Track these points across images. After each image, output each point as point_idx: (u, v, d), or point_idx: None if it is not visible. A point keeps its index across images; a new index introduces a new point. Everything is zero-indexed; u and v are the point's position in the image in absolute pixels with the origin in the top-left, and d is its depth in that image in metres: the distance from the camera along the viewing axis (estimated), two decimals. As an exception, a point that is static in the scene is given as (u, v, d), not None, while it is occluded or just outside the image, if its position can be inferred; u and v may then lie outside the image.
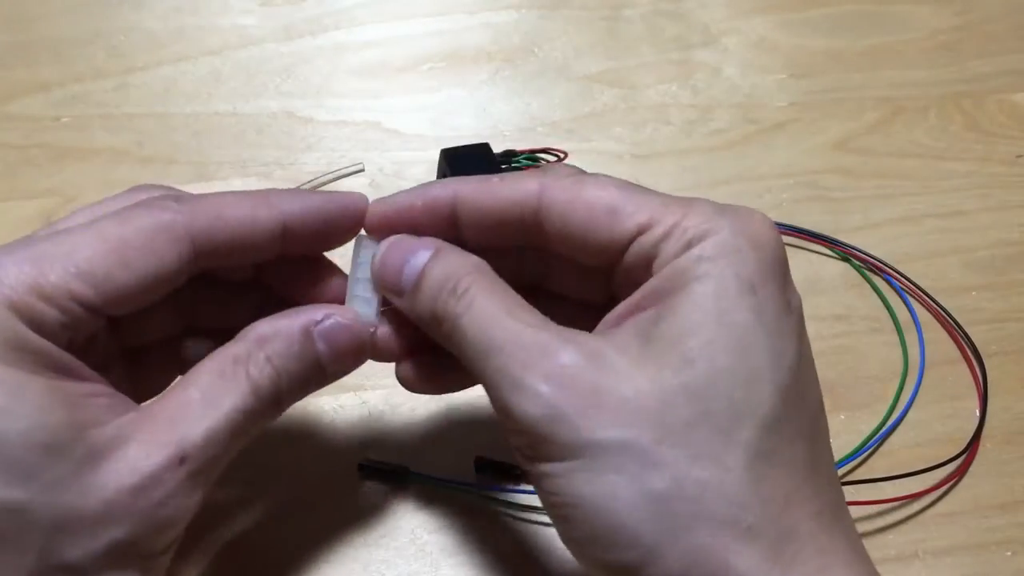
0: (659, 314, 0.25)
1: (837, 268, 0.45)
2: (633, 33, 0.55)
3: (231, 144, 0.48)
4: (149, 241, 0.26)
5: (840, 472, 0.38)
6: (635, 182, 0.28)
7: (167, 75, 0.51)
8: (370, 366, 0.40)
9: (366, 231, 0.30)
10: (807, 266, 0.45)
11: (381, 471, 0.37)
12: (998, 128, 0.52)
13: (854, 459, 0.39)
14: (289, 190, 0.29)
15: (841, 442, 0.39)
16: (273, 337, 0.27)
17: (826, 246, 0.46)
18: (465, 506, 0.36)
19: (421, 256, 0.28)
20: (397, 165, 0.48)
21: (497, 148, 0.46)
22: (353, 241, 0.30)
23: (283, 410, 0.28)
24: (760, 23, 0.57)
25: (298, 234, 0.28)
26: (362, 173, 0.47)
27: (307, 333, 0.28)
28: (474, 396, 0.39)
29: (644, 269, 0.27)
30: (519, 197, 0.28)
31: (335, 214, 0.29)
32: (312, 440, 0.38)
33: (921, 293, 0.45)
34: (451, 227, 0.29)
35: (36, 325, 0.24)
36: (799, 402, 0.26)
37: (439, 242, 0.28)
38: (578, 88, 0.52)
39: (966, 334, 0.43)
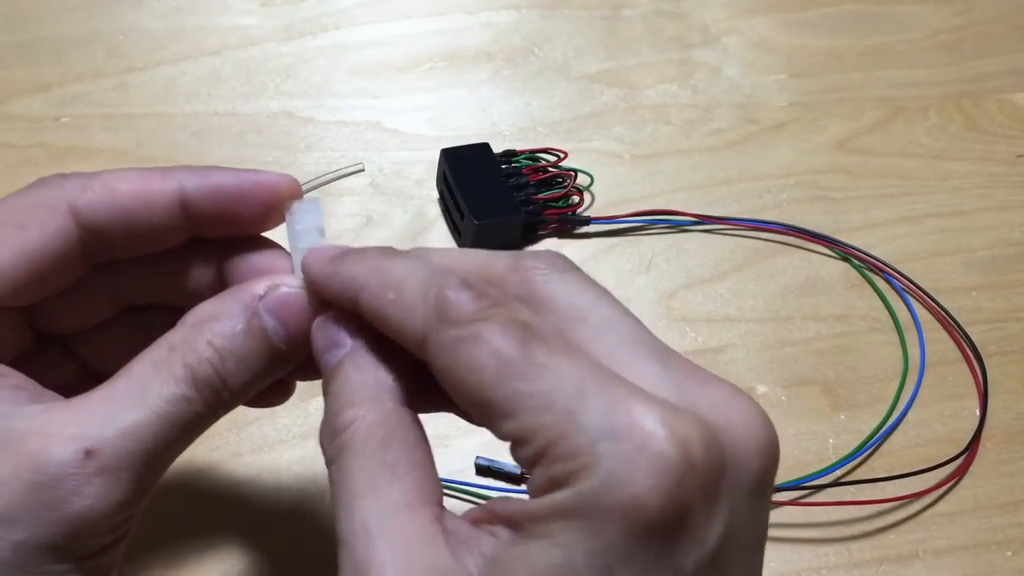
0: (495, 565, 0.20)
1: (837, 268, 0.45)
2: (633, 33, 0.55)
3: (231, 144, 0.48)
4: (26, 217, 0.25)
5: (840, 472, 0.39)
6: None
7: (167, 75, 0.51)
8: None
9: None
10: (807, 266, 0.45)
11: None
12: (998, 128, 0.52)
13: (854, 459, 0.39)
14: (198, 166, 0.27)
15: (841, 442, 0.39)
16: (212, 318, 0.25)
17: (826, 246, 0.46)
18: (465, 506, 0.36)
19: (334, 356, 0.24)
20: (397, 165, 0.48)
21: (497, 148, 0.46)
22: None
23: (239, 399, 0.25)
24: (760, 23, 0.57)
25: (203, 211, 0.26)
26: (362, 173, 0.47)
27: (251, 309, 0.25)
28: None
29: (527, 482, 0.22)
30: (407, 338, 0.22)
31: (244, 192, 0.26)
32: (313, 440, 0.38)
33: (921, 293, 0.45)
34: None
35: None
36: None
37: (357, 347, 0.24)
38: (578, 88, 0.52)
39: (966, 334, 0.43)
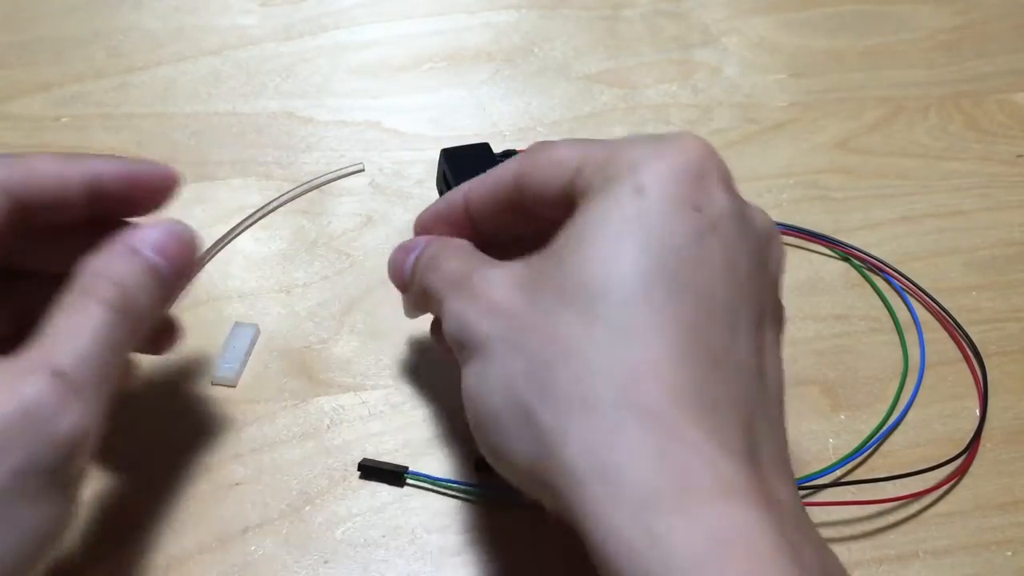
0: (572, 222, 0.27)
1: (837, 268, 0.45)
2: (633, 33, 0.55)
3: (231, 144, 0.48)
4: None
5: (840, 472, 0.39)
6: None
7: (167, 75, 0.51)
8: (370, 366, 0.40)
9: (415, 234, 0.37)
10: (807, 266, 0.45)
11: (381, 471, 0.37)
12: (998, 128, 0.52)
13: (854, 459, 0.39)
14: (105, 155, 0.32)
15: (841, 442, 0.39)
16: (108, 263, 0.29)
17: (826, 246, 0.46)
18: (465, 506, 0.36)
19: (414, 253, 0.34)
20: (397, 165, 0.48)
21: (497, 148, 0.46)
22: None
23: (148, 320, 0.30)
24: (760, 23, 0.57)
25: (108, 193, 0.31)
26: (362, 173, 0.47)
27: (135, 248, 0.30)
28: (474, 396, 0.39)
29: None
30: (502, 175, 0.31)
31: (142, 179, 0.31)
32: (313, 440, 0.38)
33: (921, 293, 0.45)
34: (470, 225, 0.34)
35: None
36: (673, 282, 0.25)
37: (431, 238, 0.34)
38: (578, 88, 0.52)
39: (966, 334, 0.43)
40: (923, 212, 0.48)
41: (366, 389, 0.39)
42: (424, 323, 0.42)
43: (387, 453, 0.38)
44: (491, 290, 0.28)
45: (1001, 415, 0.41)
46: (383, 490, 0.37)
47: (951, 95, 0.54)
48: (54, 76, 0.50)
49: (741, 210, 0.27)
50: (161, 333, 0.35)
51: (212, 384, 0.39)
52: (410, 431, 0.38)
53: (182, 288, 0.32)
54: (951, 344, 0.43)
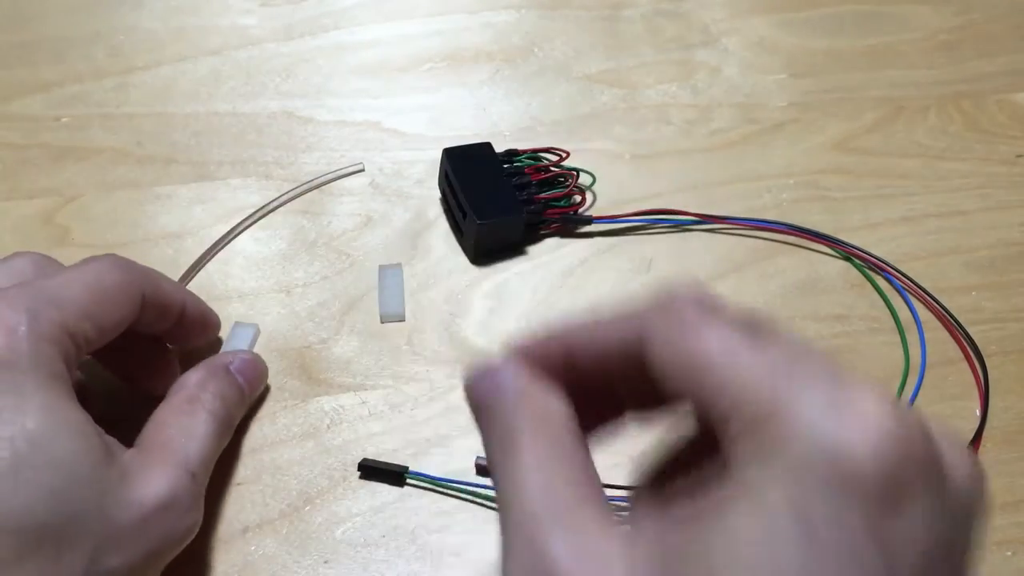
0: (687, 540, 0.20)
1: (838, 268, 0.45)
2: (633, 33, 0.55)
3: (231, 144, 0.48)
4: (120, 293, 0.32)
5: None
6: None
7: (167, 75, 0.51)
8: (370, 366, 0.40)
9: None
10: (808, 266, 0.45)
11: (381, 471, 0.37)
12: (998, 128, 0.52)
13: (854, 459, 0.39)
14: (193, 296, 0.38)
15: (841, 442, 0.39)
16: (209, 379, 0.35)
17: (827, 245, 0.46)
18: (465, 506, 0.36)
19: (498, 391, 0.24)
20: (397, 165, 0.48)
21: (498, 148, 0.46)
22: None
23: (233, 429, 0.36)
24: (760, 23, 0.57)
25: (183, 320, 0.36)
26: (362, 173, 0.47)
27: (228, 370, 0.36)
28: (474, 396, 0.39)
29: (728, 455, 0.21)
30: (621, 340, 0.23)
31: (207, 321, 0.38)
32: (313, 440, 0.38)
33: (922, 293, 0.45)
34: (567, 368, 0.25)
35: (66, 359, 0.29)
36: None
37: (521, 378, 0.24)
38: (578, 88, 0.52)
39: (967, 334, 0.43)
40: (923, 212, 0.48)
41: (366, 389, 0.39)
42: (425, 320, 0.42)
43: (387, 453, 0.38)
44: None
45: (1002, 415, 0.41)
46: (383, 490, 0.37)
47: (951, 95, 0.54)
48: (54, 76, 0.50)
49: (941, 532, 0.19)
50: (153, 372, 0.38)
51: (212, 384, 0.39)
52: (410, 431, 0.38)
53: (251, 403, 0.38)
54: (952, 344, 0.43)
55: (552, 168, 0.46)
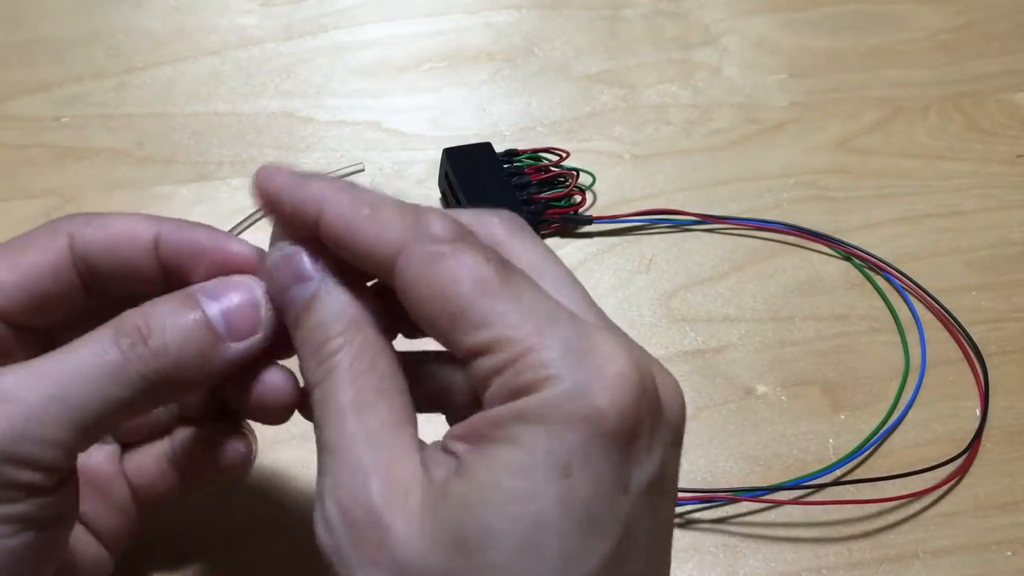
0: (461, 468, 0.22)
1: (838, 268, 0.45)
2: (633, 33, 0.55)
3: (231, 144, 0.48)
4: (30, 241, 0.27)
5: (840, 472, 0.38)
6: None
7: (167, 75, 0.51)
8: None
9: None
10: (808, 266, 0.45)
11: None
12: (998, 128, 0.52)
13: (854, 459, 0.39)
14: (185, 222, 0.28)
15: (841, 442, 0.39)
16: (156, 305, 0.26)
17: (827, 245, 0.46)
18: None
19: (304, 289, 0.25)
20: (397, 165, 0.48)
21: (498, 148, 0.46)
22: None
23: (182, 384, 0.25)
24: (760, 23, 0.57)
25: (172, 261, 0.27)
26: (362, 173, 0.47)
27: (192, 293, 0.26)
28: (474, 396, 0.39)
29: (480, 391, 0.23)
30: (377, 251, 0.23)
31: (210, 255, 0.27)
32: (312, 440, 0.38)
33: (922, 293, 0.45)
34: (314, 231, 0.25)
35: None
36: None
37: (325, 278, 0.25)
38: (578, 88, 0.52)
39: (967, 334, 0.43)
40: (923, 212, 0.48)
41: (366, 389, 0.39)
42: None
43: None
44: (395, 549, 0.21)
45: (1002, 415, 0.41)
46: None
47: (951, 95, 0.54)
48: (54, 76, 0.50)
49: (664, 457, 0.23)
50: (222, 441, 0.30)
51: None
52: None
53: (243, 354, 0.26)
54: (952, 344, 0.43)
55: (552, 168, 0.46)
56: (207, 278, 0.27)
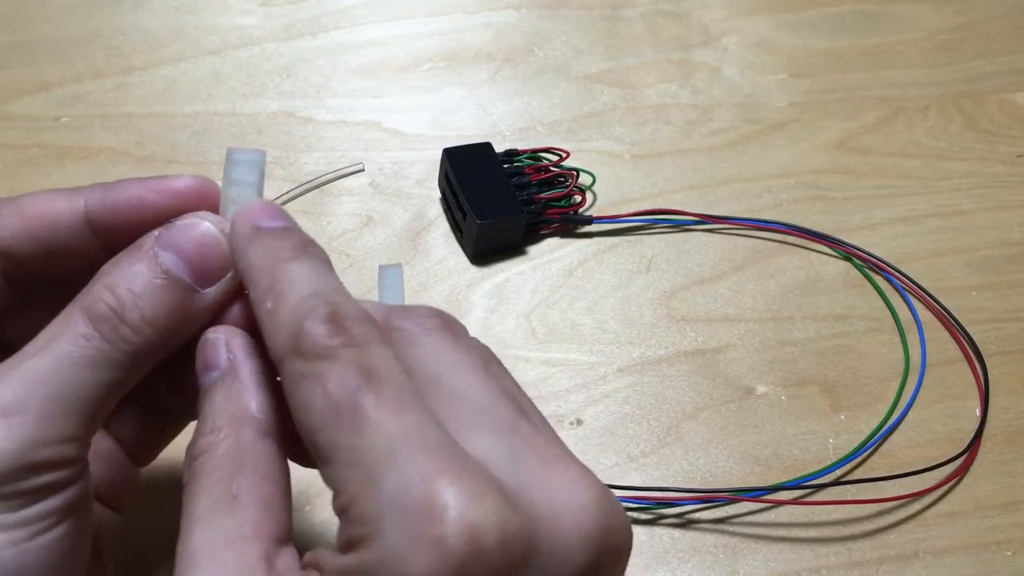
0: None
1: (838, 268, 0.45)
2: (633, 33, 0.55)
3: (231, 144, 0.48)
4: None
5: (840, 472, 0.38)
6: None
7: (167, 75, 0.51)
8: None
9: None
10: (807, 266, 0.45)
11: None
12: (998, 128, 0.52)
13: (854, 459, 0.39)
14: (108, 183, 0.26)
15: (841, 442, 0.39)
16: (111, 265, 0.24)
17: (827, 245, 0.46)
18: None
19: (207, 377, 0.24)
20: (397, 165, 0.48)
21: (497, 148, 0.46)
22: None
23: (144, 335, 0.24)
24: (760, 23, 0.57)
25: (108, 227, 0.26)
26: (362, 173, 0.47)
27: (147, 250, 0.24)
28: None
29: None
30: (272, 355, 0.23)
31: (146, 203, 0.26)
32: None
33: (922, 293, 0.45)
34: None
35: None
36: None
37: (232, 367, 0.24)
38: (578, 88, 0.52)
39: (967, 334, 0.43)
40: (923, 212, 0.48)
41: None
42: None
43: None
44: None
45: (1002, 415, 0.41)
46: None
47: (951, 95, 0.54)
48: (54, 76, 0.50)
49: None
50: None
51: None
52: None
53: (218, 297, 0.25)
54: (952, 344, 0.43)
55: (552, 168, 0.46)
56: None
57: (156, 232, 0.25)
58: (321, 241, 0.44)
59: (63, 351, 0.23)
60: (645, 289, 0.44)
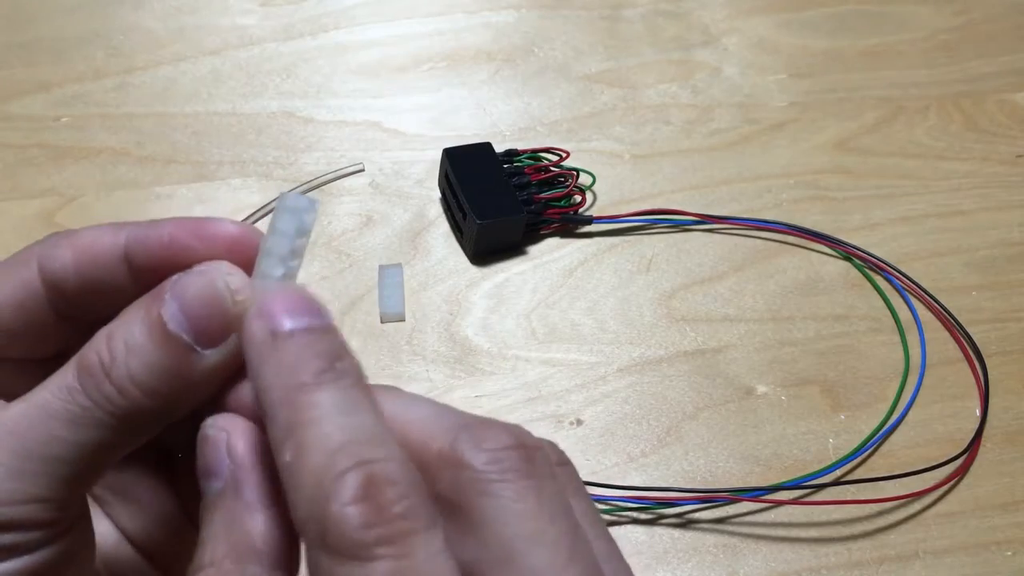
0: None
1: (838, 268, 0.45)
2: (633, 33, 0.55)
3: (231, 144, 0.48)
4: (3, 273, 0.23)
5: (840, 472, 0.38)
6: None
7: (167, 75, 0.51)
8: (370, 366, 0.40)
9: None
10: (807, 266, 0.45)
11: None
12: (998, 128, 0.52)
13: (854, 459, 0.39)
14: (149, 221, 0.24)
15: (841, 442, 0.39)
16: (124, 311, 0.22)
17: (827, 245, 0.46)
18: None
19: (210, 487, 0.21)
20: (397, 165, 0.48)
21: (497, 148, 0.46)
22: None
23: (131, 396, 0.21)
24: (760, 23, 0.57)
25: (144, 266, 0.23)
26: (362, 173, 0.47)
27: (156, 297, 0.22)
28: (472, 396, 0.39)
29: None
30: (291, 512, 0.19)
31: (184, 246, 0.23)
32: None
33: (923, 293, 0.45)
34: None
35: None
36: None
37: (237, 479, 0.21)
38: (578, 88, 0.52)
39: (967, 334, 0.43)
40: (923, 212, 0.48)
41: (366, 389, 0.39)
42: (425, 320, 0.42)
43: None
44: None
45: (1002, 415, 0.41)
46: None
47: (951, 95, 0.54)
48: (54, 76, 0.50)
49: None
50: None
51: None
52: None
53: (219, 361, 0.22)
54: (952, 344, 0.43)
55: (552, 168, 0.46)
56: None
57: (174, 277, 0.22)
58: (321, 241, 0.44)
59: (44, 402, 0.21)
60: (645, 289, 0.44)
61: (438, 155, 0.45)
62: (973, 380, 0.42)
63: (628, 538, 0.37)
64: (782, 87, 0.53)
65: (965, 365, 0.42)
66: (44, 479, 0.21)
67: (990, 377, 0.42)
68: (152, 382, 0.21)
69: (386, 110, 0.50)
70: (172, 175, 0.46)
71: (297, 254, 0.22)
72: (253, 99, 0.50)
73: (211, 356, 0.21)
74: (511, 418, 0.38)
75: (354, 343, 0.41)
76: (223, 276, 0.22)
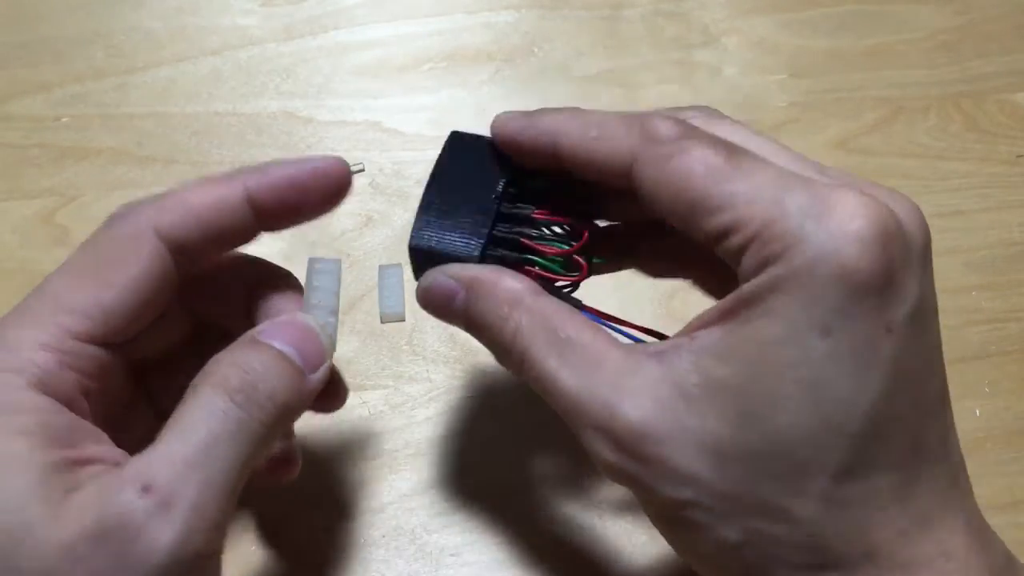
0: (727, 349, 0.24)
1: (837, 268, 0.45)
2: (633, 33, 0.55)
3: (231, 144, 0.48)
4: (120, 252, 0.26)
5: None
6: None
7: (167, 75, 0.51)
8: (370, 366, 0.40)
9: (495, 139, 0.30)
10: (807, 266, 0.45)
11: None
12: (998, 128, 0.52)
13: (854, 459, 0.39)
14: (257, 165, 0.28)
15: (841, 442, 0.39)
16: (231, 352, 0.26)
17: (826, 246, 0.46)
18: (465, 506, 0.36)
19: (458, 301, 0.29)
20: (397, 165, 0.48)
21: (498, 148, 0.45)
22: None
23: (273, 413, 0.25)
24: (760, 23, 0.57)
25: (269, 206, 0.28)
26: (362, 173, 0.47)
27: (257, 341, 0.27)
28: (472, 396, 0.39)
29: (734, 269, 0.25)
30: (613, 165, 0.26)
31: (303, 183, 0.28)
32: (312, 440, 0.38)
33: (921, 293, 0.45)
34: (555, 160, 0.28)
35: (40, 381, 0.24)
36: (884, 431, 0.24)
37: (471, 280, 0.29)
38: (578, 88, 0.52)
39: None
40: (923, 212, 0.48)
41: (366, 389, 0.39)
42: (425, 320, 0.42)
43: (387, 453, 0.38)
44: (664, 454, 0.24)
45: (1002, 415, 0.41)
46: (383, 490, 0.37)
47: (951, 95, 0.54)
48: (54, 76, 0.50)
49: (919, 286, 0.25)
50: (278, 460, 0.31)
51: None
52: (410, 431, 0.38)
53: (318, 384, 0.27)
54: (952, 344, 0.43)
55: (566, 227, 0.31)
56: (314, 206, 0.29)
57: (258, 328, 0.27)
58: (321, 241, 0.44)
59: (205, 427, 0.24)
60: (645, 289, 0.44)
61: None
62: (973, 380, 0.42)
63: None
64: (782, 87, 0.53)
65: (965, 365, 0.42)
66: (221, 504, 0.23)
67: (990, 377, 0.42)
68: (283, 396, 0.26)
69: (386, 110, 0.50)
70: (172, 175, 0.46)
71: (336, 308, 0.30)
72: (253, 99, 0.50)
73: (313, 379, 0.27)
74: (511, 417, 0.39)
75: (354, 343, 0.41)
76: (310, 319, 0.28)
